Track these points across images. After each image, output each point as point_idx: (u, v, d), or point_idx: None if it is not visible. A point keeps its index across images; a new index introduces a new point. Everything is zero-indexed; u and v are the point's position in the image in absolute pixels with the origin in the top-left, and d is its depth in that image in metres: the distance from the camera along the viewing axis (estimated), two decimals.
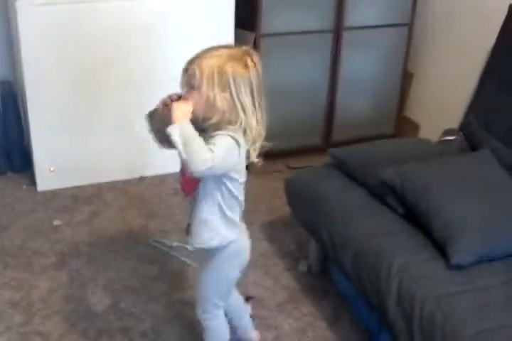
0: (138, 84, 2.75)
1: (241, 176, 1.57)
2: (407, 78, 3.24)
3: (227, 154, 1.44)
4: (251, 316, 2.03)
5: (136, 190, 2.83)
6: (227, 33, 2.75)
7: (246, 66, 1.44)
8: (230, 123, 1.46)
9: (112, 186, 2.83)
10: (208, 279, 1.69)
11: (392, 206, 1.96)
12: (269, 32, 2.83)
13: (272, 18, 2.81)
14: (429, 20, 3.13)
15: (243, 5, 2.78)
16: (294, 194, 2.27)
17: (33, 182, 2.79)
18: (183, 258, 2.35)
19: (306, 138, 3.20)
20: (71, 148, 2.74)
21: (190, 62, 1.47)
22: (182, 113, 1.43)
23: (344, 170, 2.19)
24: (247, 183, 3.09)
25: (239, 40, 2.82)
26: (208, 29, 2.74)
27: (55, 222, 2.54)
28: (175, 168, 1.71)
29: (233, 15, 2.75)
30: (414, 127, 3.29)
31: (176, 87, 1.55)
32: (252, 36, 2.82)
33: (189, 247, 1.69)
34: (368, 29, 3.02)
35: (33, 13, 2.47)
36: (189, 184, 1.57)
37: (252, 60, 1.45)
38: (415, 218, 1.90)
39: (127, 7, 2.61)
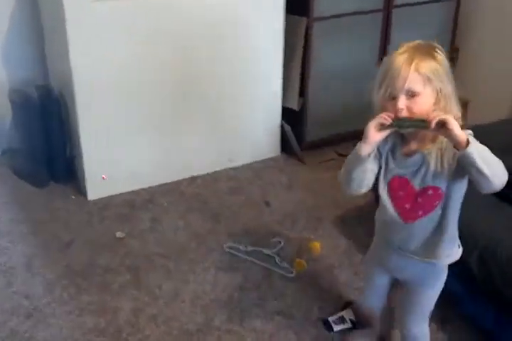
0: (187, 90, 2.59)
1: None
2: (453, 52, 3.12)
3: None
4: (353, 321, 1.94)
5: (190, 191, 2.65)
6: (277, 19, 2.67)
7: (449, 58, 1.42)
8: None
9: (165, 188, 2.65)
10: (432, 296, 1.60)
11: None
12: (320, 15, 2.73)
13: (322, 2, 2.71)
14: None
15: None
16: None
17: (79, 191, 2.59)
18: (263, 264, 2.20)
19: (354, 124, 3.03)
20: (121, 155, 2.55)
21: (403, 69, 1.35)
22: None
23: None
24: (300, 176, 2.87)
25: (290, 25, 2.74)
26: (259, 16, 2.63)
27: (118, 234, 2.34)
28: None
29: (284, 1, 2.66)
30: (463, 103, 3.16)
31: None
32: (303, 21, 2.72)
33: None
34: (416, 5, 2.93)
35: (82, 11, 2.23)
36: (422, 207, 1.45)
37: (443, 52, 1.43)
38: None
39: (178, 2, 2.43)
